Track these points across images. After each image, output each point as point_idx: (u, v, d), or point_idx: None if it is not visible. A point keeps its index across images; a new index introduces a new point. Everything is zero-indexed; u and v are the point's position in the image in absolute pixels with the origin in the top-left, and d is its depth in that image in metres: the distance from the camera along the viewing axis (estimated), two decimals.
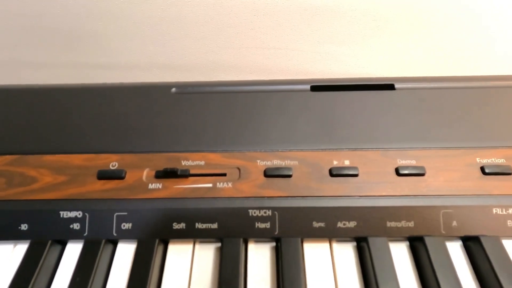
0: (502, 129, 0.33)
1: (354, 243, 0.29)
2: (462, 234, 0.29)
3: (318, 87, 0.38)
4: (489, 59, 0.52)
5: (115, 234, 0.29)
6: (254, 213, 0.29)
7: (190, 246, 0.30)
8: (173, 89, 0.37)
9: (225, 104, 0.36)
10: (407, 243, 0.29)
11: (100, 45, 0.56)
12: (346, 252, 0.29)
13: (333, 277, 0.28)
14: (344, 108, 0.36)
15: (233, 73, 0.59)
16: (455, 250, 0.29)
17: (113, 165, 0.32)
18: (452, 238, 0.29)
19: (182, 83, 0.37)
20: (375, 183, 0.30)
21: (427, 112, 0.35)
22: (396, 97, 0.37)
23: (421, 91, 0.37)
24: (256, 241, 0.30)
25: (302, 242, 0.29)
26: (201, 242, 0.30)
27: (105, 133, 0.34)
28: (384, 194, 0.30)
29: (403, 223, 0.29)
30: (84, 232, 0.29)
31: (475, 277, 0.28)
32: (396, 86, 0.37)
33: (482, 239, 0.28)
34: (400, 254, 0.29)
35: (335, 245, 0.30)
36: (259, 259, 0.29)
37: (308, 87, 0.38)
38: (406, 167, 0.31)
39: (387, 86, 0.37)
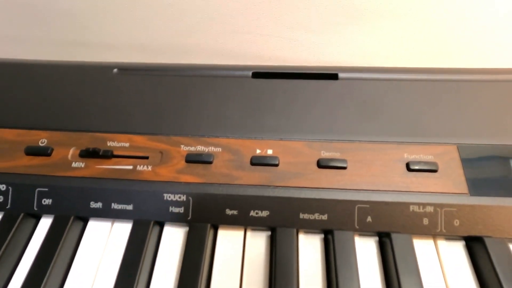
0: (436, 125, 0.32)
1: (268, 233, 0.29)
2: (376, 230, 0.28)
3: (260, 74, 0.37)
4: (457, 51, 0.50)
5: (36, 209, 0.30)
6: (169, 197, 0.29)
7: (108, 224, 0.30)
8: (115, 70, 0.37)
9: (162, 87, 0.36)
10: (322, 235, 0.29)
11: (76, 23, 0.56)
12: (259, 241, 0.29)
13: (240, 265, 0.28)
14: (282, 96, 0.35)
15: (203, 57, 0.59)
16: (369, 246, 0.29)
17: (42, 142, 0.32)
18: (367, 233, 0.29)
19: (124, 64, 0.37)
20: (295, 173, 0.30)
21: (365, 104, 0.34)
22: (338, 87, 0.36)
23: (364, 82, 0.36)
24: (171, 225, 0.30)
25: (216, 229, 0.30)
26: (118, 221, 0.30)
27: (40, 110, 0.34)
28: (301, 185, 0.29)
29: (316, 216, 0.29)
30: (7, 205, 0.30)
31: (383, 274, 0.27)
32: (340, 76, 0.36)
33: (393, 236, 0.27)
34: (312, 246, 0.29)
35: (250, 233, 0.30)
36: (170, 243, 0.29)
37: (249, 73, 0.37)
38: (329, 160, 0.30)
39: (331, 76, 0.36)
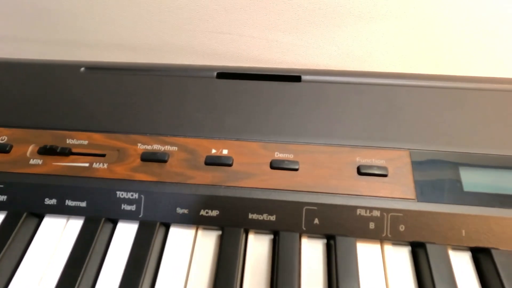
0: (391, 130, 0.32)
1: (219, 232, 0.30)
2: (322, 233, 0.28)
3: (224, 75, 0.37)
4: (432, 56, 0.50)
5: None
6: (121, 195, 0.30)
7: (64, 220, 0.31)
8: (82, 69, 0.38)
9: (128, 86, 0.36)
10: (271, 236, 0.29)
11: (59, 21, 0.57)
12: (208, 240, 0.29)
13: (188, 264, 0.28)
14: (245, 97, 0.36)
15: (183, 56, 0.59)
16: (316, 248, 0.29)
17: (2, 139, 0.33)
18: (315, 235, 0.29)
19: (91, 63, 0.38)
20: (247, 174, 0.30)
21: (325, 107, 0.34)
22: (301, 90, 0.36)
23: (326, 85, 0.36)
24: (123, 221, 0.30)
25: (168, 227, 0.30)
26: (73, 218, 0.31)
27: (2, 107, 0.35)
28: (251, 186, 0.30)
29: (264, 216, 0.29)
30: None
31: (326, 277, 0.27)
32: (303, 78, 0.37)
33: (338, 239, 0.28)
34: (261, 246, 0.29)
35: (200, 232, 0.30)
36: (122, 240, 0.29)
37: (214, 74, 0.37)
38: (281, 161, 0.30)
39: (294, 78, 0.37)
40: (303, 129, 0.33)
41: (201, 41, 0.57)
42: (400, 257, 0.28)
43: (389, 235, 0.28)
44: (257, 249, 0.29)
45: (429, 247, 0.27)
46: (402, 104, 0.34)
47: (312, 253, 0.28)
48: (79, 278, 0.26)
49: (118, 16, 0.54)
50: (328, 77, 0.36)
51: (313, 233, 0.28)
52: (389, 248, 0.28)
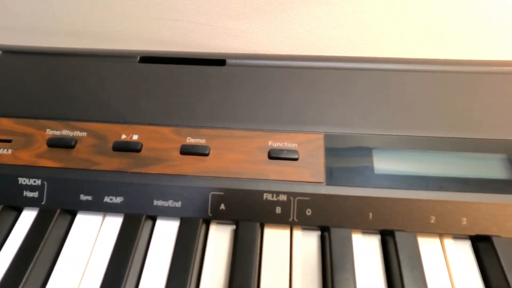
0: (307, 113, 0.31)
1: (120, 218, 0.29)
2: (230, 219, 0.28)
3: (147, 59, 0.36)
4: (378, 41, 0.49)
5: None
6: (24, 181, 0.29)
7: None
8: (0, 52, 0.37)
9: (44, 70, 0.35)
10: (177, 223, 0.28)
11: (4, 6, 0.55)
12: (113, 226, 0.28)
13: (90, 251, 0.27)
14: (166, 81, 0.34)
15: (131, 43, 0.58)
16: (224, 233, 0.28)
17: None
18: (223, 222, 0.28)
19: (8, 46, 0.36)
20: (155, 159, 0.29)
21: (246, 91, 0.33)
22: (225, 74, 0.35)
23: (251, 69, 0.35)
24: (27, 209, 0.29)
25: (75, 215, 0.29)
26: None
27: None
28: (158, 171, 0.29)
29: (170, 203, 0.28)
30: None
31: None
32: (228, 62, 0.35)
33: (240, 225, 0.27)
34: (167, 234, 0.28)
35: (107, 218, 0.29)
36: (23, 227, 0.28)
37: (137, 58, 0.36)
38: (192, 146, 0.29)
39: (218, 62, 0.36)
40: (219, 113, 0.32)
41: (148, 28, 0.56)
42: (308, 242, 0.27)
43: (296, 220, 0.27)
44: (163, 238, 0.28)
45: (334, 231, 0.26)
46: (320, 87, 0.33)
47: (219, 238, 0.27)
48: None
49: (58, 0, 0.52)
50: (253, 61, 0.35)
51: (219, 218, 0.28)
52: (298, 233, 0.28)
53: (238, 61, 0.35)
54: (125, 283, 0.25)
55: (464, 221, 0.26)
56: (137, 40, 0.56)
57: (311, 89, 0.33)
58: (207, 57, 0.36)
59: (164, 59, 0.36)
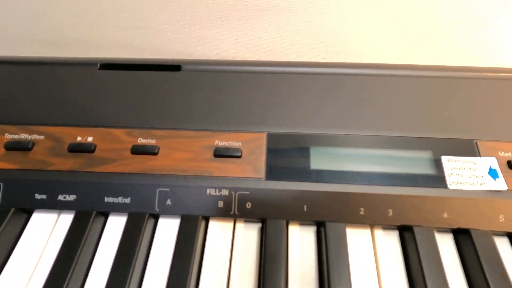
0: (253, 114, 0.33)
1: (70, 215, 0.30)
2: (176, 213, 0.29)
3: (107, 66, 0.38)
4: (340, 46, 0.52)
5: None
6: None
7: None
8: None
9: (8, 77, 0.37)
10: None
11: None
12: (65, 222, 0.30)
13: (44, 246, 0.29)
14: (124, 87, 0.36)
15: (103, 51, 0.60)
16: (171, 227, 0.30)
17: None
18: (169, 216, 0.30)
19: None
20: (107, 159, 0.31)
21: (200, 94, 0.35)
22: (180, 78, 0.37)
23: (205, 73, 0.37)
24: None
25: (31, 213, 0.31)
26: None
27: None
28: (109, 170, 0.30)
29: (119, 199, 0.30)
30: None
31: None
32: (183, 67, 0.38)
33: (183, 217, 0.29)
34: (116, 228, 0.30)
35: (62, 216, 0.31)
36: None
37: (97, 65, 0.38)
38: (142, 146, 0.31)
39: (174, 67, 0.38)
40: (171, 115, 0.34)
41: (116, 36, 0.58)
42: (249, 234, 0.29)
43: (236, 213, 0.29)
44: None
45: (268, 222, 0.28)
46: (267, 90, 0.35)
47: (166, 231, 0.29)
48: None
49: (28, 8, 0.54)
50: (207, 66, 0.37)
51: (165, 213, 0.30)
52: (240, 225, 0.30)
53: (193, 67, 0.37)
54: (71, 275, 0.26)
55: (391, 212, 0.28)
56: (106, 47, 0.58)
57: (258, 92, 0.35)
58: (163, 63, 0.38)
59: (123, 65, 0.38)
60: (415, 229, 0.27)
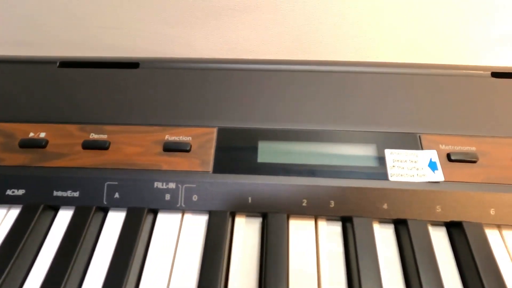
0: (204, 109, 0.34)
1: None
2: (124, 206, 0.30)
3: (66, 63, 0.38)
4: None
5: None
6: None
7: None
8: None
9: None
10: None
11: None
12: (13, 217, 0.30)
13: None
14: (82, 84, 0.37)
15: (75, 51, 0.60)
16: (117, 220, 0.30)
17: None
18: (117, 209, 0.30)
19: None
20: (58, 154, 0.32)
21: (155, 91, 0.36)
22: (137, 76, 0.38)
23: (162, 71, 0.38)
24: None
25: None
26: None
27: None
28: (59, 165, 0.31)
29: (68, 193, 0.30)
30: None
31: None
32: (141, 65, 0.38)
33: (128, 210, 0.29)
34: (63, 221, 0.30)
35: (12, 211, 0.31)
36: None
37: (57, 63, 0.39)
38: (93, 141, 0.32)
39: (132, 65, 0.38)
40: (124, 111, 0.34)
41: (87, 36, 0.58)
42: (195, 225, 0.30)
43: (183, 205, 0.30)
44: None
45: (212, 213, 0.29)
46: (220, 86, 0.36)
47: (113, 224, 0.30)
48: None
49: (18, 14, 0.54)
50: (164, 64, 0.38)
51: (113, 206, 0.30)
52: (188, 217, 0.30)
53: (150, 64, 0.38)
54: (9, 270, 0.26)
55: (332, 203, 0.29)
56: (74, 46, 0.58)
57: (213, 88, 0.36)
58: (122, 61, 0.38)
59: (82, 63, 0.38)
60: (355, 220, 0.28)
